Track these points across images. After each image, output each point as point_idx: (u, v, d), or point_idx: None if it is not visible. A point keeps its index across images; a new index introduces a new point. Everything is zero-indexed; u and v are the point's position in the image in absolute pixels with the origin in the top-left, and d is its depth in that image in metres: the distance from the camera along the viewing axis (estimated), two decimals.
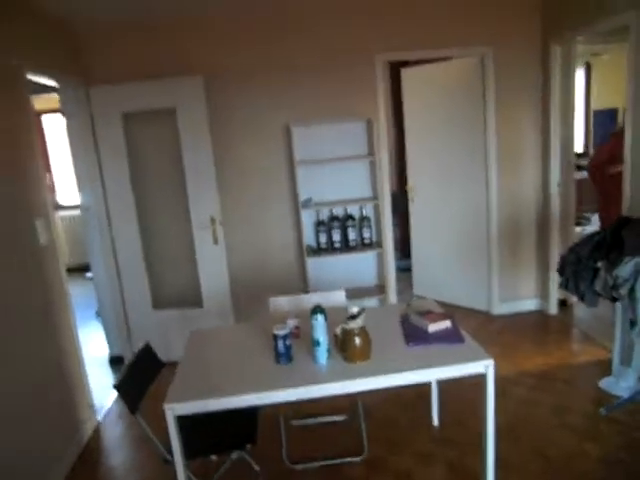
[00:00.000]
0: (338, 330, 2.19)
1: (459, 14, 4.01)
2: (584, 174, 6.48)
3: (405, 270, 5.65)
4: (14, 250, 2.67)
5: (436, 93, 4.57)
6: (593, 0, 3.47)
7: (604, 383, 3.23)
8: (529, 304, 4.55)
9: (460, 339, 2.29)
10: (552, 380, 3.38)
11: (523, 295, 4.55)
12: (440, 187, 4.72)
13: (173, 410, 1.98)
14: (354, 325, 2.13)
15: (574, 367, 3.55)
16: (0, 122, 2.67)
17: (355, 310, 2.15)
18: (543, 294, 4.48)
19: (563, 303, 4.49)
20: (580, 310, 4.40)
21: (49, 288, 2.98)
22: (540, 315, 4.47)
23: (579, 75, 7.43)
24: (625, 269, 2.51)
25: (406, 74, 4.78)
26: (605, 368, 3.35)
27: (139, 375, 2.28)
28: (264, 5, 3.73)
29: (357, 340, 2.14)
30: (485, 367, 2.10)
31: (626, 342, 3.09)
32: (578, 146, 7.50)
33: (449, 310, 4.67)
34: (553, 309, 4.45)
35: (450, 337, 2.31)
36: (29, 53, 3.08)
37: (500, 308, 4.54)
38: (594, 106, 7.92)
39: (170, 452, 2.07)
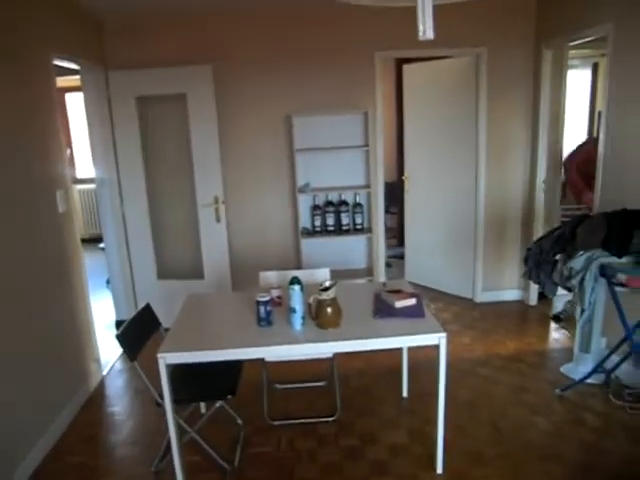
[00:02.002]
0: (311, 300, 2.50)
1: (456, 15, 4.20)
2: None
3: (400, 257, 5.93)
4: (37, 216, 3.02)
5: (434, 89, 4.82)
6: (578, 10, 3.70)
7: (565, 368, 3.51)
8: (511, 294, 4.82)
9: (421, 314, 2.58)
10: (518, 363, 3.67)
11: (505, 285, 4.82)
12: (433, 179, 4.99)
13: (165, 359, 2.31)
14: (326, 296, 2.43)
15: (541, 353, 3.84)
16: (29, 104, 3.01)
17: (328, 283, 2.45)
18: (525, 285, 4.75)
19: (544, 295, 4.74)
20: (558, 302, 4.66)
21: (66, 251, 3.33)
22: (520, 305, 4.75)
23: (586, 75, 7.56)
24: (578, 262, 2.79)
25: (407, 70, 5.02)
26: (570, 355, 3.62)
27: (139, 329, 2.61)
28: (269, 0, 3.99)
29: (328, 309, 2.44)
30: (438, 339, 2.39)
31: (585, 330, 3.36)
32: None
33: (436, 295, 5.01)
34: (533, 300, 4.72)
35: (412, 313, 2.60)
36: (57, 41, 3.40)
37: (483, 296, 4.82)
38: (599, 107, 8.04)
39: (162, 397, 2.41)
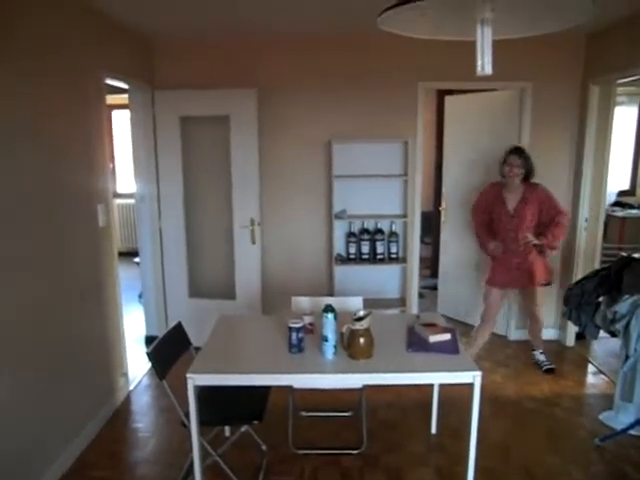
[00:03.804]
0: (345, 329, 2.45)
1: (503, 49, 4.15)
2: (629, 212, 6.56)
3: (433, 288, 5.82)
4: (78, 229, 3.08)
5: (475, 122, 4.77)
6: (631, 47, 3.63)
7: (604, 416, 3.35)
8: (547, 333, 4.62)
9: (456, 351, 2.51)
10: (553, 406, 3.51)
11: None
12: (470, 211, 4.89)
13: (194, 380, 2.29)
14: (359, 326, 2.39)
15: (578, 397, 3.67)
16: (80, 119, 3.11)
17: (362, 313, 2.41)
18: (562, 325, 4.59)
19: (582, 336, 4.57)
20: (597, 345, 4.49)
21: (103, 265, 3.38)
22: (556, 345, 4.58)
23: (632, 112, 7.41)
24: (623, 306, 2.67)
25: (449, 101, 5.00)
26: (609, 402, 3.46)
27: (169, 348, 2.61)
28: (314, 28, 4.00)
29: (361, 340, 2.40)
30: (473, 377, 2.31)
31: (628, 378, 3.20)
32: (624, 183, 7.47)
33: (468, 330, 4.87)
34: (570, 341, 4.55)
35: (447, 348, 2.53)
36: (109, 60, 3.52)
37: (517, 334, 4.67)
38: None
39: (187, 417, 2.39)
